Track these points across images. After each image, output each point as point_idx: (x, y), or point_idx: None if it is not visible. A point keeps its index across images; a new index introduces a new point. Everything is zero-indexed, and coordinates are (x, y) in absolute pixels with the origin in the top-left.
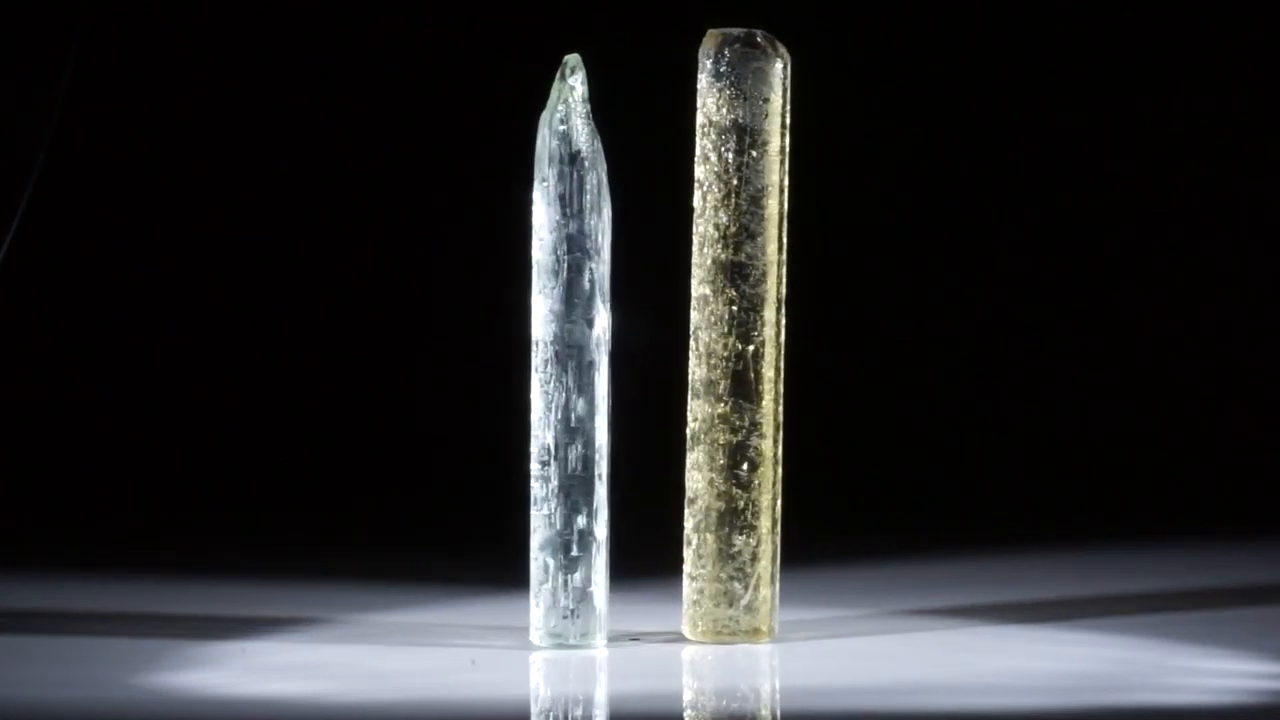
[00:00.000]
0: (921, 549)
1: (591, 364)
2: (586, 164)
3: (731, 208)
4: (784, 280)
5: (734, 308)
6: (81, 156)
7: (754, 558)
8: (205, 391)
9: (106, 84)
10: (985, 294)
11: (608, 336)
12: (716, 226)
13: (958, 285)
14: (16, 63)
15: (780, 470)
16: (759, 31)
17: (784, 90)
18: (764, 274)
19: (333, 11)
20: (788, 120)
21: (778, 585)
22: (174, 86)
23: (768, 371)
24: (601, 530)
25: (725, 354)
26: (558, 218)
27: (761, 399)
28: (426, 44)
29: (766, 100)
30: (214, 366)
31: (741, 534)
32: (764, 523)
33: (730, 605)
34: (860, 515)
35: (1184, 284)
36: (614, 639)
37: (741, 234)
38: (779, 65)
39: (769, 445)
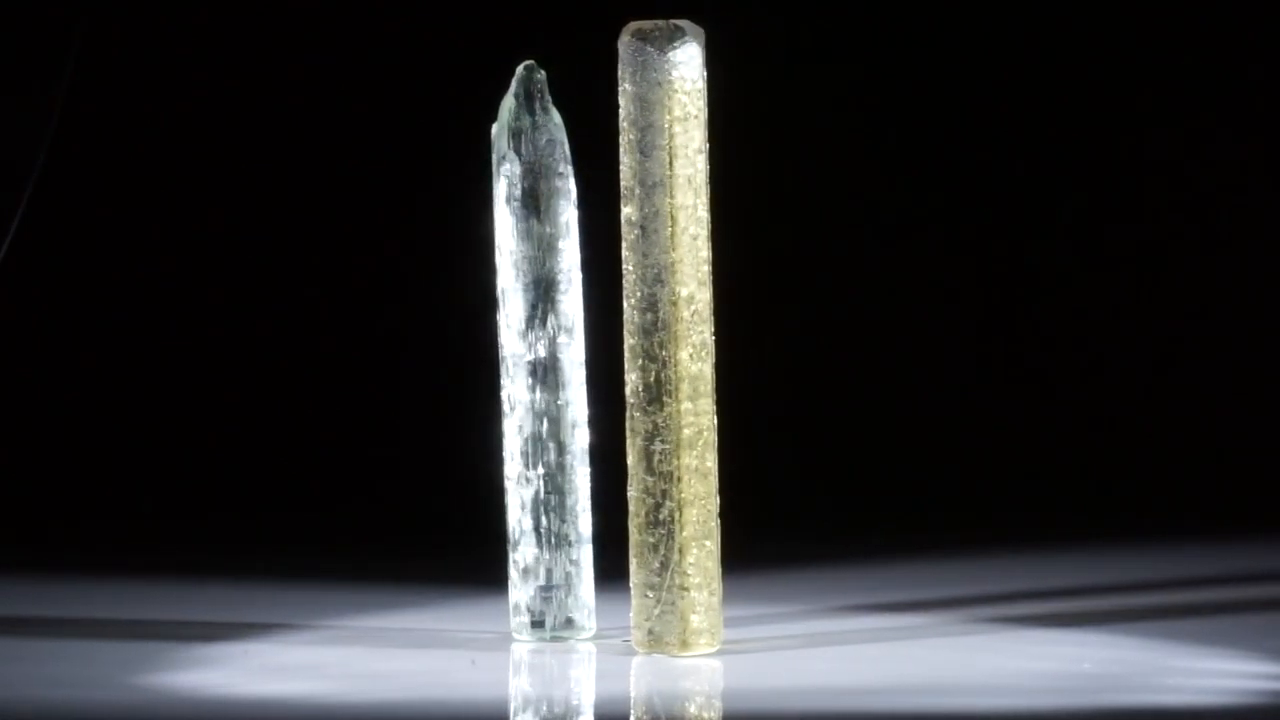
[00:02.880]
0: (916, 549)
1: (556, 362)
2: (536, 169)
3: (633, 206)
4: (707, 280)
5: (642, 311)
6: (81, 156)
7: (664, 566)
8: (203, 393)
9: (106, 84)
10: (973, 293)
11: (571, 337)
12: (623, 226)
13: (946, 283)
14: (16, 63)
15: (714, 478)
16: (663, 22)
17: (683, 82)
18: (665, 273)
19: (331, 12)
20: (692, 112)
21: (717, 595)
22: (174, 86)
23: (685, 373)
24: (584, 529)
25: (637, 357)
26: (510, 224)
27: (669, 403)
28: (423, 42)
29: (653, 94)
30: (211, 368)
31: (657, 542)
32: (686, 531)
33: (651, 614)
34: (856, 515)
35: (1175, 277)
36: (601, 638)
37: (640, 233)
38: (667, 56)
39: (686, 451)
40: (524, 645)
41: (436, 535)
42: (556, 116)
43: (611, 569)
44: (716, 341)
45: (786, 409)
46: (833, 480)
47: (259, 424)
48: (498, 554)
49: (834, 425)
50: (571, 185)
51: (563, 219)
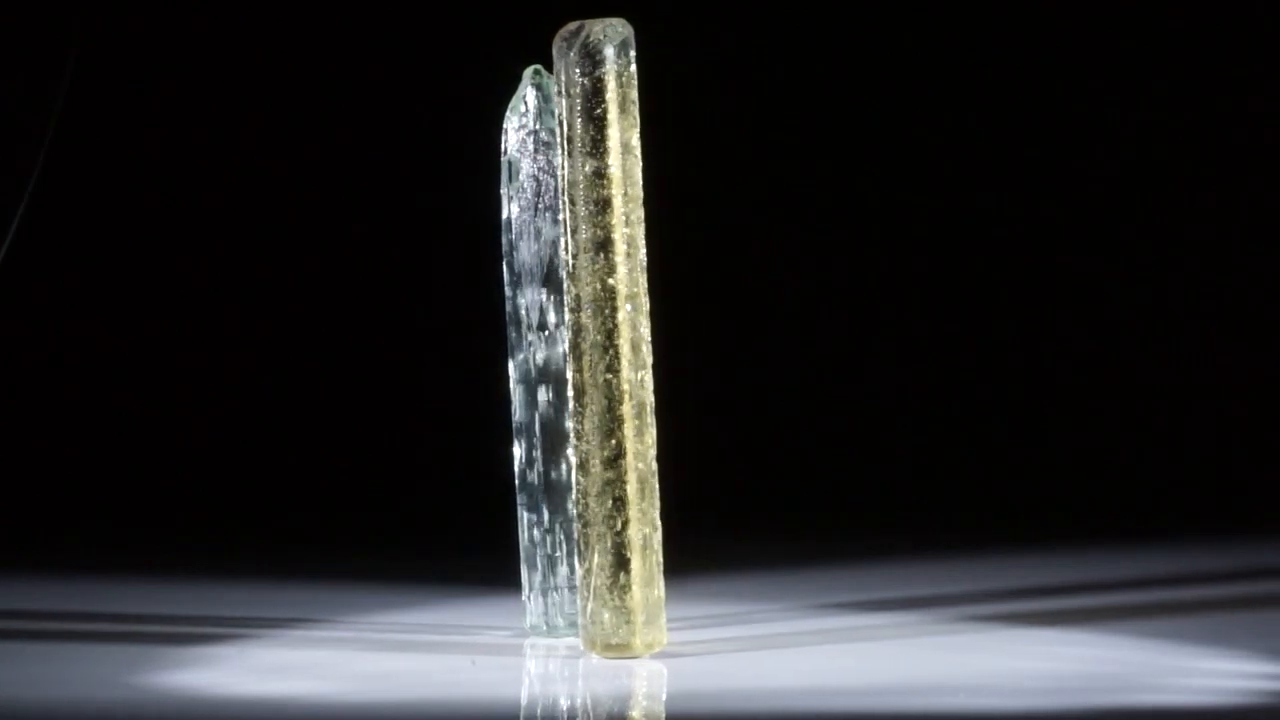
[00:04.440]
0: (916, 549)
1: (567, 360)
2: (543, 170)
3: (565, 208)
4: (640, 279)
5: (574, 311)
6: (81, 156)
7: (590, 569)
8: (205, 393)
9: (106, 84)
10: (963, 292)
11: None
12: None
13: (935, 283)
14: (16, 63)
15: (642, 481)
16: (588, 23)
17: (589, 83)
18: (578, 273)
19: (332, 13)
20: (603, 113)
21: (656, 597)
22: (174, 88)
23: (597, 374)
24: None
25: (573, 358)
26: (518, 224)
27: (587, 404)
28: (433, 45)
29: (562, 94)
30: (214, 368)
31: (592, 544)
32: (598, 534)
33: (588, 615)
34: (852, 515)
35: (1173, 277)
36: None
37: (570, 234)
38: (572, 56)
39: (603, 451)
40: (528, 643)
41: (442, 535)
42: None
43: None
44: (692, 344)
45: (765, 409)
46: (820, 480)
47: (264, 424)
48: (507, 552)
49: (818, 425)
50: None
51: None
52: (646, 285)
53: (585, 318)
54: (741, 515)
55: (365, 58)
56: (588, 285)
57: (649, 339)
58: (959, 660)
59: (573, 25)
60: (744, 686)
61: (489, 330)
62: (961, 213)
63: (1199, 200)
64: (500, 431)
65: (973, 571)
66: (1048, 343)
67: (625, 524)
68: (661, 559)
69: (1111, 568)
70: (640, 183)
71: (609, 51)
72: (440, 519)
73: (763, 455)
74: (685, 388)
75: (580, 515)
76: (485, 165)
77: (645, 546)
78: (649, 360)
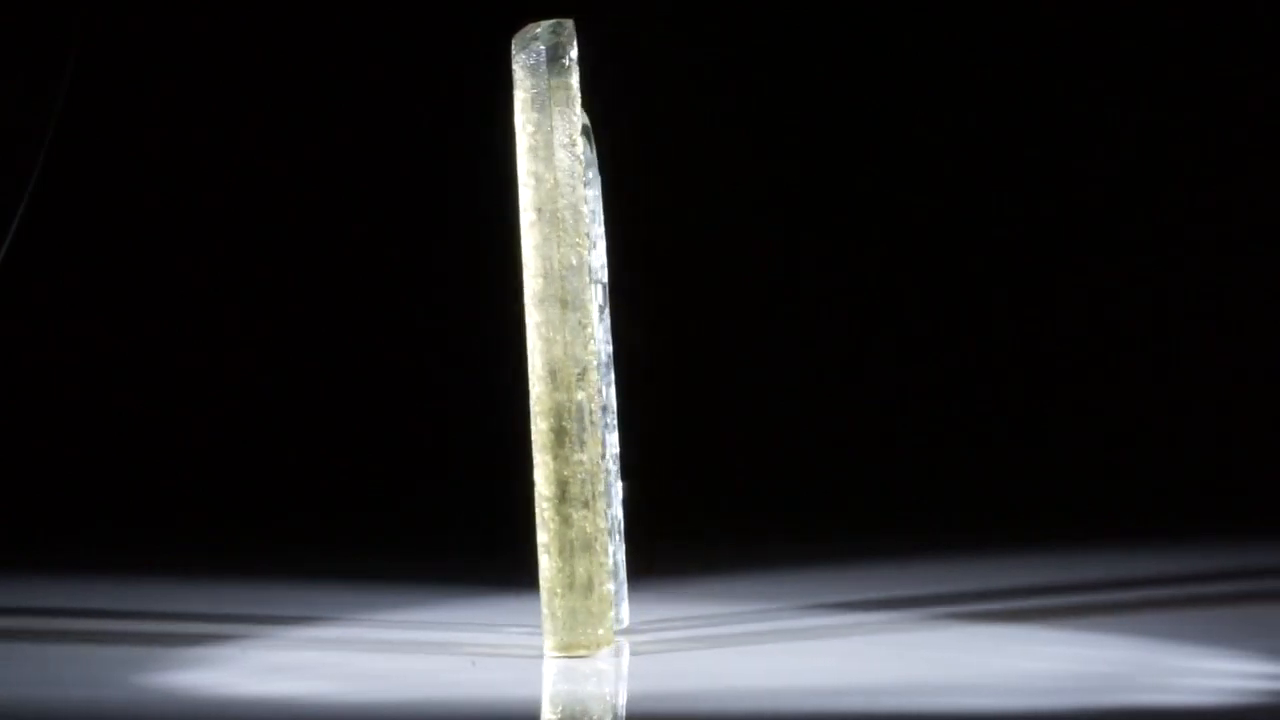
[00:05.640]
0: (916, 549)
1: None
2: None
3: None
4: (558, 279)
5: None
6: (81, 156)
7: (541, 567)
8: (205, 393)
9: (106, 84)
10: (950, 295)
11: (596, 339)
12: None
13: (922, 284)
14: (16, 63)
15: (587, 483)
16: (540, 23)
17: (534, 81)
18: (527, 269)
19: (331, 13)
20: (547, 110)
21: (604, 596)
22: (174, 86)
23: (538, 369)
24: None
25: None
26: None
27: (534, 399)
28: (425, 40)
29: (520, 91)
30: (214, 368)
31: (548, 543)
32: (549, 532)
33: (540, 614)
34: (852, 515)
35: (1168, 276)
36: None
37: (516, 228)
38: (521, 57)
39: (547, 447)
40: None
41: (443, 534)
42: (584, 119)
43: (642, 564)
44: (692, 344)
45: (765, 409)
46: (820, 480)
47: (264, 424)
48: (509, 552)
49: (818, 425)
50: (597, 191)
51: (589, 221)
52: (590, 285)
53: (530, 314)
54: (741, 515)
55: (365, 58)
56: (534, 280)
57: (595, 338)
58: (957, 660)
59: (527, 26)
60: (716, 686)
61: (489, 330)
62: (961, 213)
63: (1199, 200)
64: (501, 430)
65: (972, 571)
66: (1048, 343)
67: (571, 522)
68: (607, 558)
69: (1110, 567)
70: (580, 180)
71: (550, 50)
72: (441, 519)
73: (763, 455)
74: (685, 388)
75: (538, 516)
76: (485, 165)
77: (589, 546)
78: (593, 358)
